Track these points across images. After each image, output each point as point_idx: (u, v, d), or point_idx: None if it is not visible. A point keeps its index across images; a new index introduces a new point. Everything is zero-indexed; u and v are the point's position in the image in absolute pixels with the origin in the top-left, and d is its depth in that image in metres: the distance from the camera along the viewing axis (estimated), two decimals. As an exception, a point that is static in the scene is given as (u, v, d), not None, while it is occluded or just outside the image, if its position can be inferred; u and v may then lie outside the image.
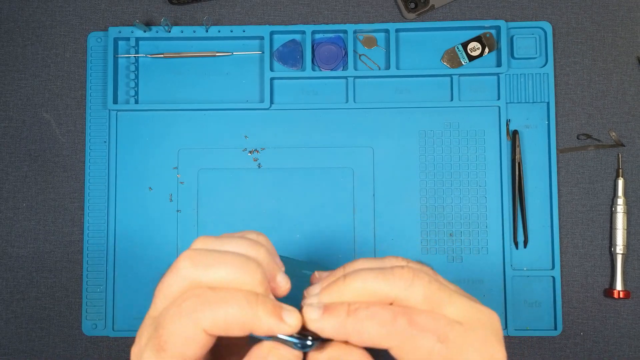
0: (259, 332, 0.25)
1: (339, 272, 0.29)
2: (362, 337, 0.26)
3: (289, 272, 0.30)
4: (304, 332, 0.26)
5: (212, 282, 0.26)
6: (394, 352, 0.26)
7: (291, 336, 0.26)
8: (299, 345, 0.26)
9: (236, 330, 0.25)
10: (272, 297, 0.27)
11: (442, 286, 0.27)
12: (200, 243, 0.28)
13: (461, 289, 0.28)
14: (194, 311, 0.25)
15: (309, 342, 0.26)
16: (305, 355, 0.26)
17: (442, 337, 0.25)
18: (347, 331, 0.26)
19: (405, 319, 0.26)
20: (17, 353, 0.58)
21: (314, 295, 0.28)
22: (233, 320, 0.25)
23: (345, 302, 0.27)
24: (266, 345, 0.26)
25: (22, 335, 0.58)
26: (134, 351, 0.27)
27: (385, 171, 0.58)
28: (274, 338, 0.26)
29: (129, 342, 0.58)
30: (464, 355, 0.25)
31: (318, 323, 0.26)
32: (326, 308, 0.26)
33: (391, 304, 0.27)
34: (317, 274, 0.30)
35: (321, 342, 0.26)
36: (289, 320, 0.26)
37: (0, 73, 0.60)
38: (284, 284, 0.28)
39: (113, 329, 0.57)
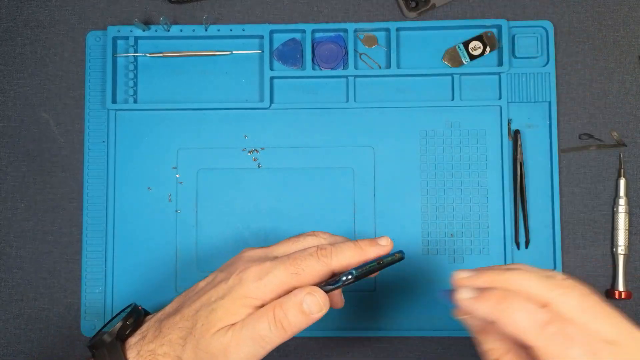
0: (368, 259, 0.38)
1: (501, 266, 0.34)
2: (510, 325, 0.29)
3: None
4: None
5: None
6: (535, 352, 0.28)
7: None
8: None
9: (354, 264, 0.38)
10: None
11: (599, 302, 0.29)
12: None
13: (620, 313, 0.30)
14: (327, 257, 0.38)
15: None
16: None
17: (591, 352, 0.27)
18: (497, 314, 0.29)
19: (557, 325, 0.28)
20: (15, 354, 0.58)
21: (465, 278, 0.33)
22: (351, 258, 0.38)
23: (500, 288, 0.30)
24: (303, 289, 0.37)
25: (20, 336, 0.58)
26: (266, 266, 0.38)
27: (385, 171, 0.58)
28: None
29: (128, 343, 0.58)
30: None
31: (471, 303, 0.30)
32: (481, 291, 0.30)
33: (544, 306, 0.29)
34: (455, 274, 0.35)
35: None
36: (383, 243, 0.39)
37: (-1, 72, 0.60)
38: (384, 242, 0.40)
39: (112, 330, 0.57)
